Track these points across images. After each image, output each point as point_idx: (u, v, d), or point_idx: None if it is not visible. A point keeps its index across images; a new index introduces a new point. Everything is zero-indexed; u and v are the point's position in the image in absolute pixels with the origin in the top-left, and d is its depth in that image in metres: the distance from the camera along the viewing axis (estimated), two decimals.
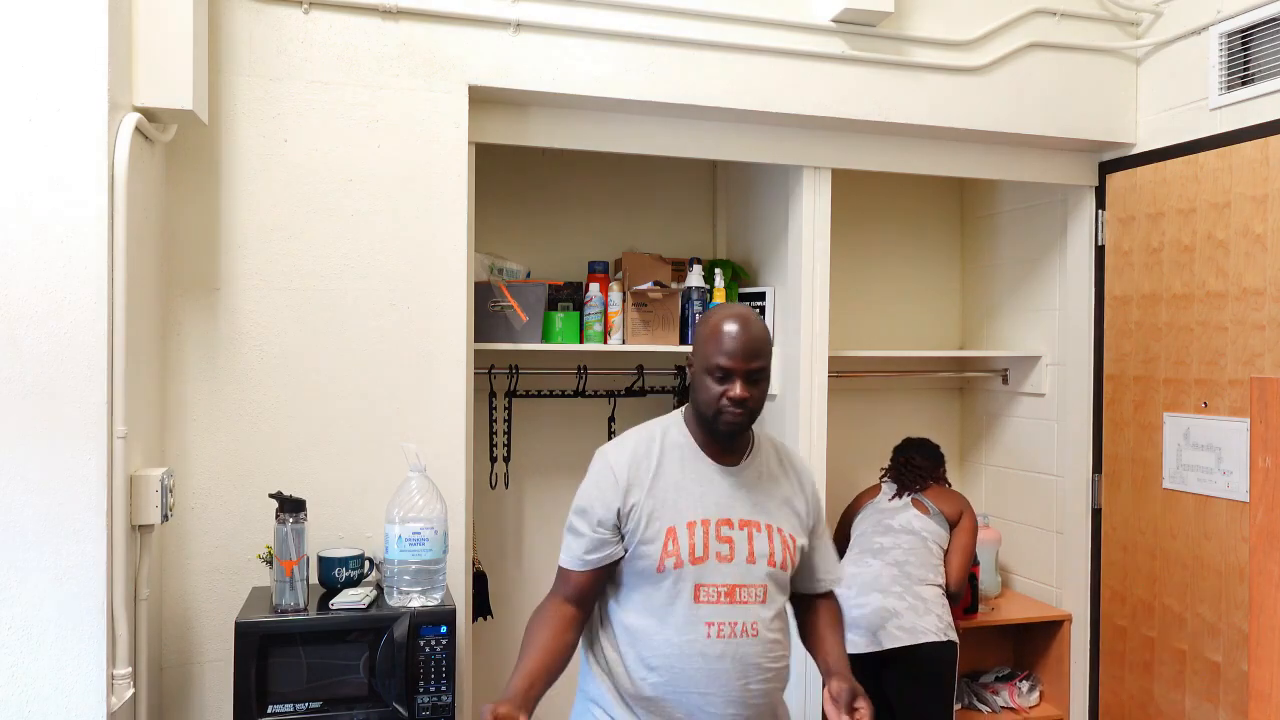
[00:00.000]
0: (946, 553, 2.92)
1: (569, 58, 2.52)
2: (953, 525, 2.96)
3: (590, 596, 1.79)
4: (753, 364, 1.71)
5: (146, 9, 2.02)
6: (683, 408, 1.86)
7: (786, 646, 1.84)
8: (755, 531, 1.78)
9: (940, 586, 2.83)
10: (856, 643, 2.68)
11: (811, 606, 1.95)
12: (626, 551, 1.75)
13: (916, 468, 3.08)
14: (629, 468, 1.76)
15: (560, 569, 1.79)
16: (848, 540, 3.04)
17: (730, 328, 1.71)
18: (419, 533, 2.11)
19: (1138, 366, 2.97)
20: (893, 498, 3.04)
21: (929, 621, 2.71)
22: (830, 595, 1.97)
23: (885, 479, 3.14)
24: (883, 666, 2.74)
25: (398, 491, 2.16)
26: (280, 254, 2.32)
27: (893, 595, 2.73)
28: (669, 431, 1.82)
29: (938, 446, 3.18)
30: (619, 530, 1.75)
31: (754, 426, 1.85)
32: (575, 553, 1.76)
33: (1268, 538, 1.53)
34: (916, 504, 2.98)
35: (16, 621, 1.83)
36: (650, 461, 1.77)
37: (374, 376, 2.38)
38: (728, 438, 1.77)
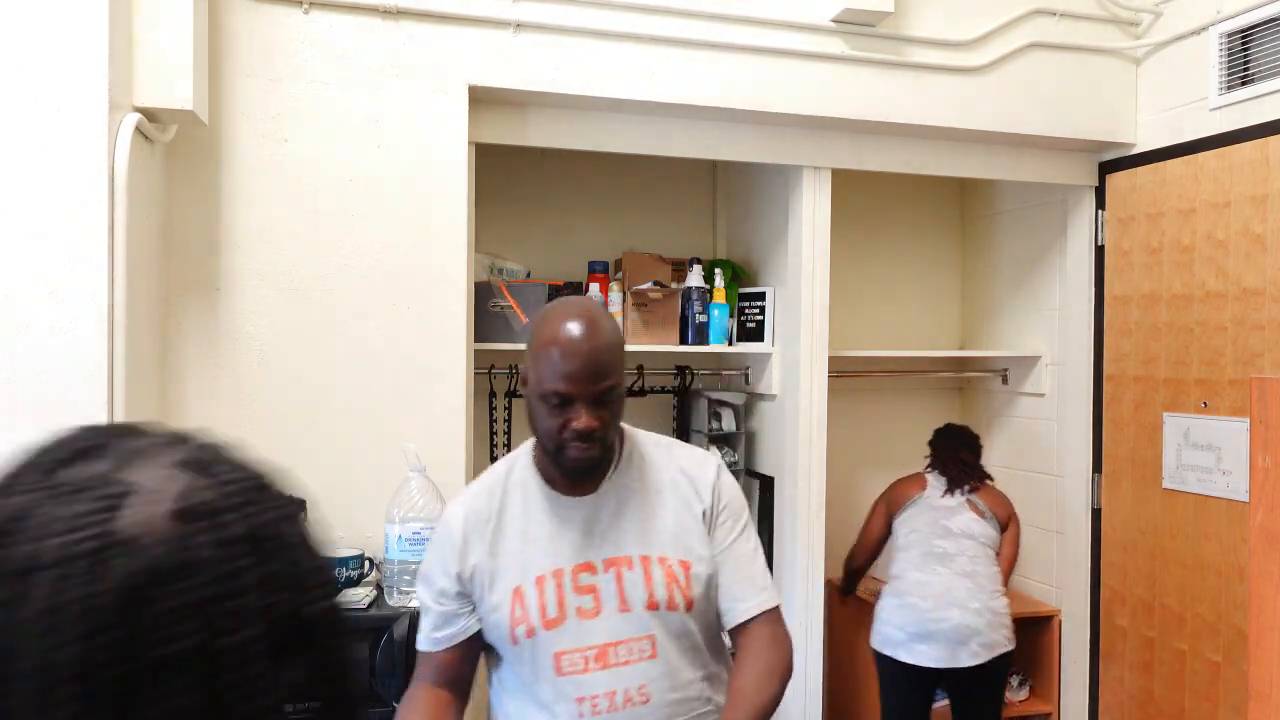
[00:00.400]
0: (997, 556, 2.89)
1: (569, 58, 2.52)
2: (1003, 529, 2.93)
3: (461, 676, 1.50)
4: (600, 385, 1.34)
5: (146, 9, 2.02)
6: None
7: (711, 700, 1.46)
8: (626, 570, 1.41)
9: (1005, 596, 2.83)
10: (930, 655, 2.70)
11: (736, 644, 1.50)
12: (481, 622, 1.44)
13: (966, 464, 3.00)
14: (464, 521, 1.43)
15: (418, 651, 1.51)
16: (887, 533, 3.02)
17: (567, 340, 1.32)
18: (419, 533, 2.12)
19: (1137, 366, 2.97)
20: (945, 494, 2.94)
21: (1002, 635, 2.74)
22: (759, 624, 1.47)
23: (931, 471, 3.03)
24: (952, 676, 2.75)
25: (398, 491, 2.16)
26: (280, 254, 2.32)
27: (971, 611, 2.71)
28: (514, 469, 1.47)
29: (977, 436, 3.11)
30: (467, 599, 1.44)
31: (631, 431, 1.53)
32: (424, 630, 1.46)
33: (1267, 538, 1.53)
34: (971, 506, 2.91)
35: None
36: (491, 510, 1.44)
37: (374, 376, 2.38)
38: (578, 474, 1.42)
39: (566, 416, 1.34)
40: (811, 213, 2.89)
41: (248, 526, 0.47)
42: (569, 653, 1.39)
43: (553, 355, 1.33)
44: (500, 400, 3.16)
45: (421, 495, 2.14)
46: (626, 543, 1.43)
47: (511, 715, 1.47)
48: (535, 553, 1.42)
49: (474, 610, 1.44)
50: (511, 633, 1.40)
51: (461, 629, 1.45)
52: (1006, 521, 2.94)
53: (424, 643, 1.47)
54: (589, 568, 1.42)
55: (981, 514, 2.90)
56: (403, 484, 2.17)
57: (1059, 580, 3.28)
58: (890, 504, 3.06)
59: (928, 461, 3.07)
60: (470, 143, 2.49)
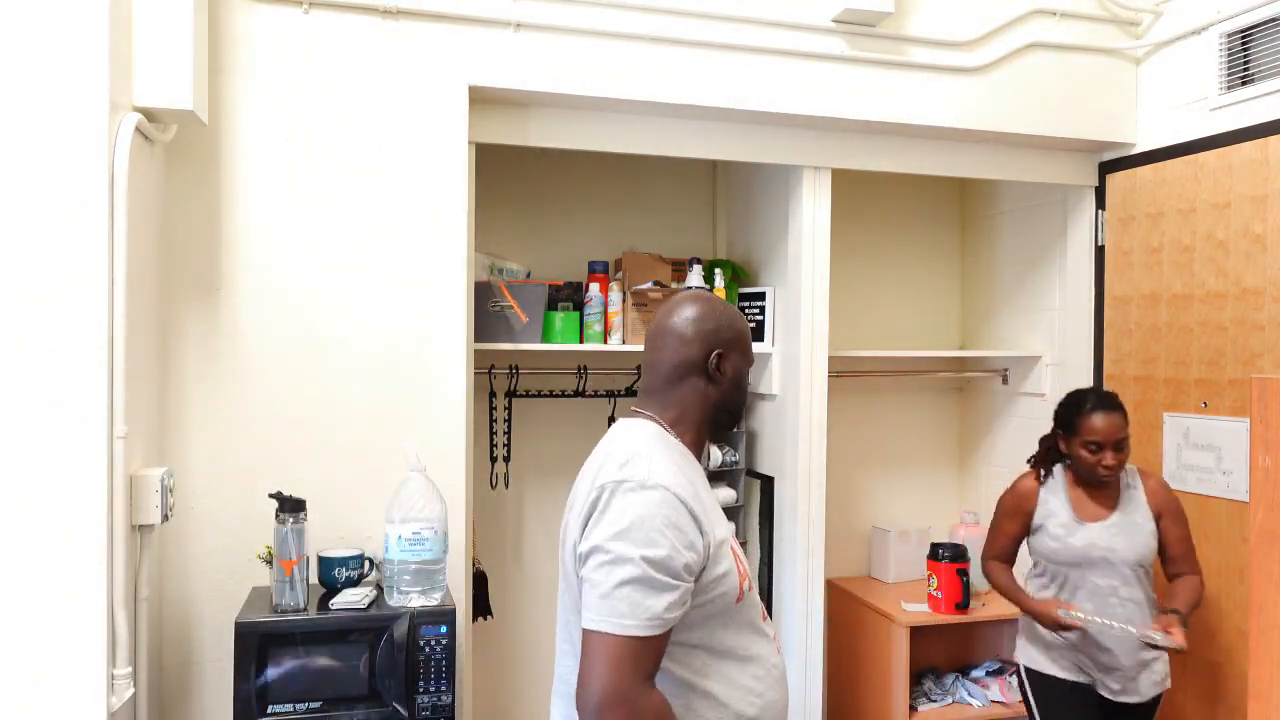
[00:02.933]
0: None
1: (569, 58, 2.52)
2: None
3: None
4: None
5: (146, 9, 2.03)
6: (641, 419, 1.58)
7: None
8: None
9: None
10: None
11: None
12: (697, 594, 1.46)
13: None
14: (688, 494, 1.46)
15: (637, 643, 1.35)
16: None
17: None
18: (419, 533, 2.11)
19: (1138, 366, 2.97)
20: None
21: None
22: None
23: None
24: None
25: (397, 491, 2.16)
26: (280, 253, 2.32)
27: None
28: (666, 445, 1.54)
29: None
30: (698, 572, 1.45)
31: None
32: (654, 611, 1.36)
33: (1268, 538, 1.53)
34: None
35: (16, 621, 1.83)
36: (690, 481, 1.49)
37: (374, 376, 2.38)
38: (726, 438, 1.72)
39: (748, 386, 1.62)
40: (811, 213, 2.89)
41: None
42: (759, 603, 1.58)
43: (751, 341, 1.65)
44: (500, 400, 3.16)
45: (421, 495, 2.14)
46: None
47: (730, 678, 1.49)
48: (717, 515, 1.53)
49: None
50: (740, 588, 1.50)
51: (687, 605, 1.43)
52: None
53: (650, 626, 1.36)
54: (735, 537, 1.59)
55: None
56: (403, 484, 2.17)
57: None
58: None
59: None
60: (470, 143, 2.49)
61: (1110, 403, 2.47)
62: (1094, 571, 2.45)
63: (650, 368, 1.60)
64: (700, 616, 1.46)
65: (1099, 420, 2.44)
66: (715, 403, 1.59)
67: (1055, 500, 2.54)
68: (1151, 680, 2.46)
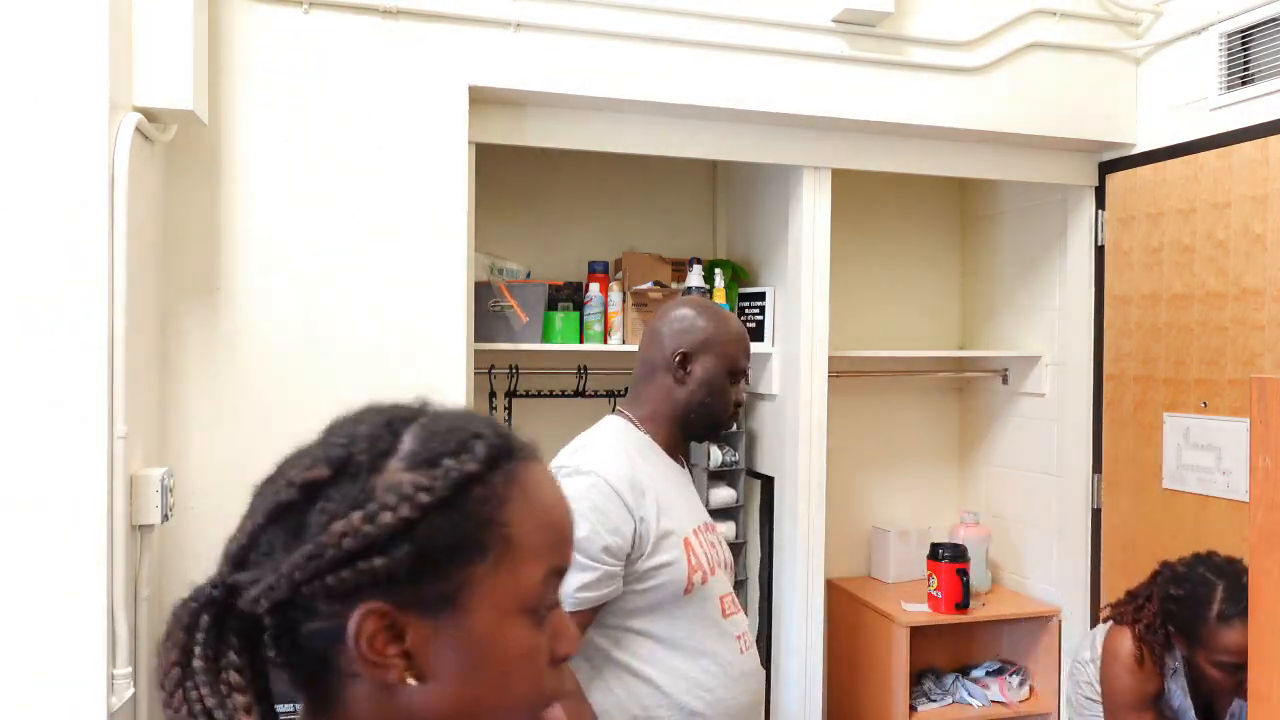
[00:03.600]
0: None
1: (569, 58, 2.52)
2: None
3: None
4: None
5: (146, 9, 2.02)
6: (614, 414, 1.67)
7: None
8: (714, 534, 1.69)
9: None
10: None
11: None
12: (628, 583, 1.52)
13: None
14: (624, 482, 1.51)
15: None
16: None
17: (743, 331, 1.70)
18: None
19: (1138, 366, 2.97)
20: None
21: None
22: None
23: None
24: None
25: None
26: (280, 254, 2.32)
27: None
28: (622, 439, 1.60)
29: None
30: (625, 559, 1.51)
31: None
32: (567, 589, 1.42)
33: (1268, 538, 1.53)
34: None
35: (16, 621, 1.83)
36: (635, 472, 1.54)
37: (374, 376, 2.38)
38: (718, 438, 1.75)
39: (737, 389, 1.65)
40: (811, 213, 2.89)
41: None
42: (725, 596, 1.60)
43: (744, 342, 1.66)
44: (500, 400, 3.16)
45: None
46: (704, 510, 1.69)
47: (674, 668, 1.52)
48: (682, 510, 1.58)
49: (623, 574, 1.50)
50: (689, 579, 1.53)
51: (612, 591, 1.49)
52: None
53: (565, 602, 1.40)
54: (709, 527, 1.65)
55: None
56: None
57: (1059, 580, 3.28)
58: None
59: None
60: (470, 143, 2.49)
61: (1245, 602, 1.66)
62: None
63: (636, 367, 1.69)
64: (643, 604, 1.51)
65: (1240, 636, 1.79)
66: (685, 403, 1.62)
67: (1179, 694, 2.06)
68: None
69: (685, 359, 1.61)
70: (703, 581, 1.56)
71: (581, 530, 1.43)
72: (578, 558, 1.40)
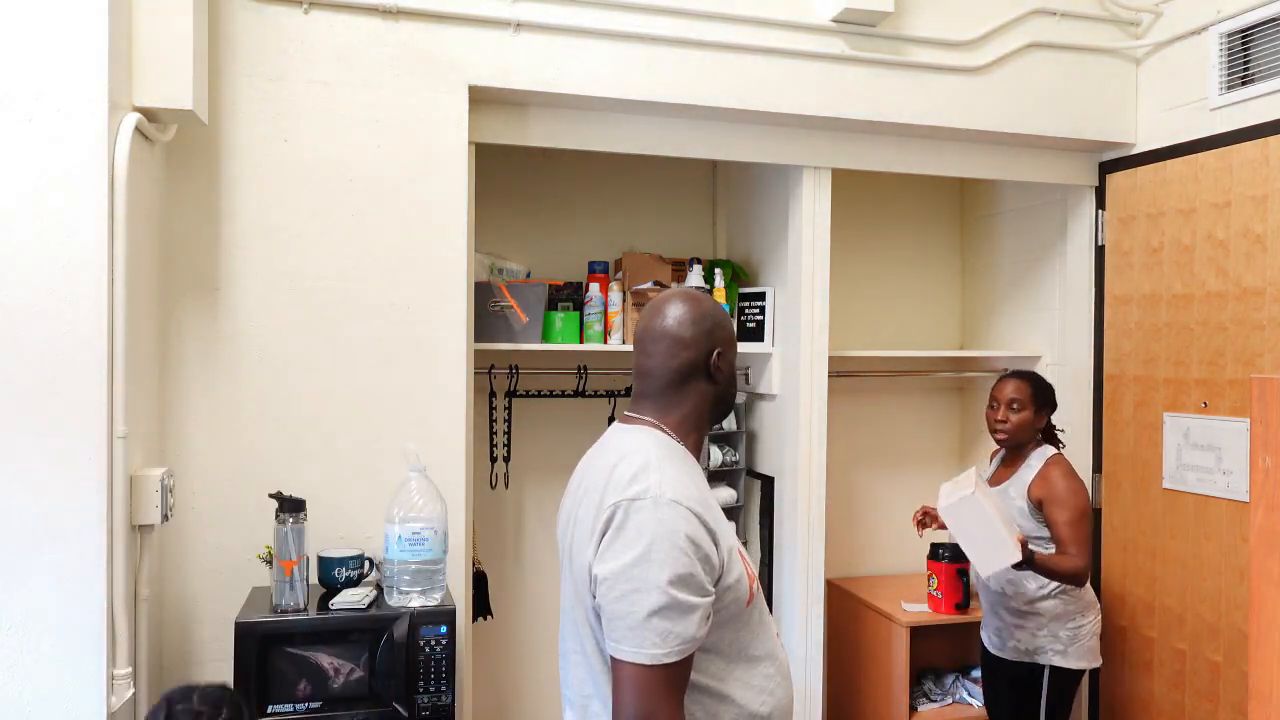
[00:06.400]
0: None
1: (569, 58, 2.52)
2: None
3: None
4: None
5: (146, 9, 2.03)
6: (647, 425, 1.55)
7: None
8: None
9: None
10: None
11: None
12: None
13: None
14: (701, 507, 1.42)
15: (669, 668, 1.34)
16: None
17: None
18: (419, 533, 2.11)
19: (1138, 366, 2.97)
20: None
21: None
22: None
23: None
24: None
25: (398, 491, 2.16)
26: (280, 254, 2.32)
27: None
28: (674, 450, 1.52)
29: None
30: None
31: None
32: (686, 633, 1.35)
33: (1268, 538, 1.53)
34: None
35: (16, 621, 1.83)
36: (699, 490, 1.47)
37: (374, 376, 2.38)
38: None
39: None
40: (811, 213, 2.89)
41: None
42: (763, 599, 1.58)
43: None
44: (500, 400, 3.16)
45: (421, 495, 2.14)
46: None
47: (744, 680, 1.48)
48: (727, 523, 1.51)
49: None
50: (750, 589, 1.50)
51: (710, 618, 1.41)
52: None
53: (681, 650, 1.35)
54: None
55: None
56: (403, 484, 2.17)
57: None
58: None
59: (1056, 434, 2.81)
60: (470, 143, 2.49)
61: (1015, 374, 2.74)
62: None
63: (646, 374, 1.56)
64: (715, 623, 1.44)
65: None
66: (715, 399, 1.58)
67: None
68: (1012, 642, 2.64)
69: (720, 357, 1.56)
70: (759, 588, 1.54)
71: (683, 567, 1.35)
72: (688, 598, 1.34)
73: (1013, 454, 2.76)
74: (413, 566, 2.12)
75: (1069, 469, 2.65)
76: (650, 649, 1.32)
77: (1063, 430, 2.88)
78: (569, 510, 1.55)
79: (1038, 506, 2.61)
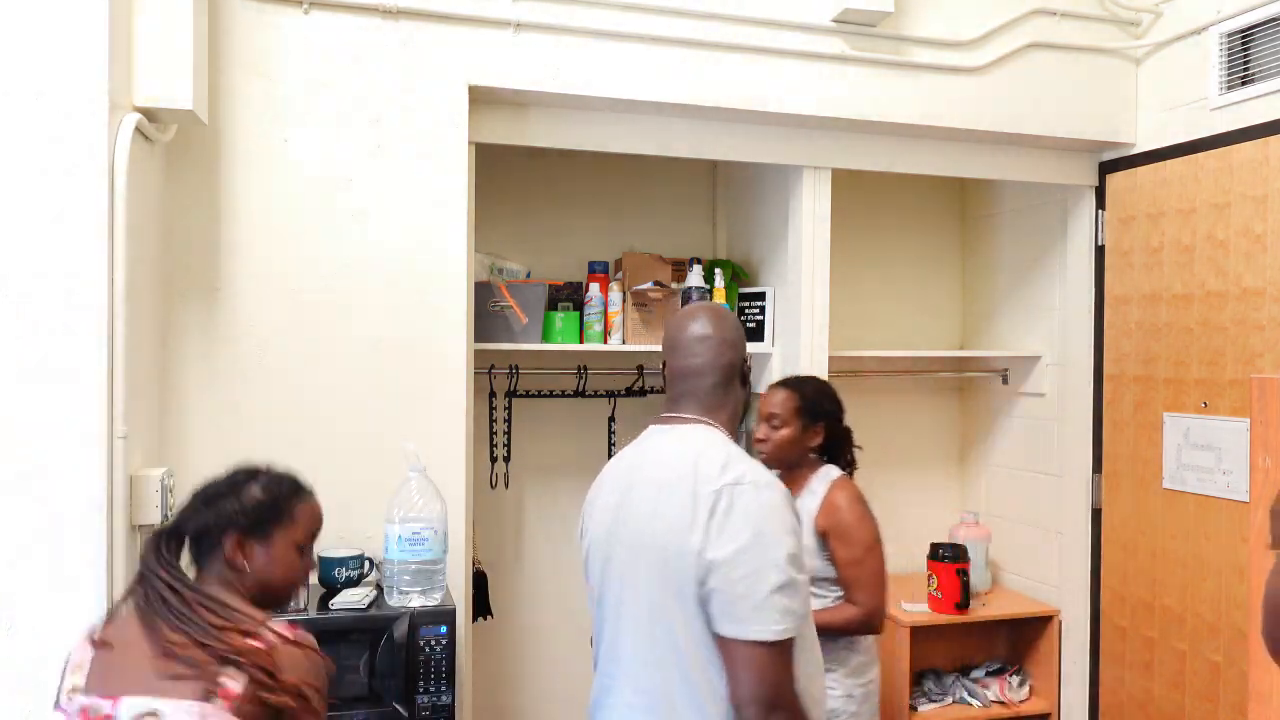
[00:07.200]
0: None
1: (569, 58, 2.52)
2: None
3: None
4: None
5: (146, 9, 2.03)
6: (702, 423, 1.59)
7: None
8: None
9: None
10: None
11: None
12: None
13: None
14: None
15: (786, 645, 1.42)
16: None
17: None
18: (419, 533, 2.11)
19: (1138, 366, 2.97)
20: None
21: None
22: None
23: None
24: None
25: (397, 491, 2.16)
26: (280, 254, 2.32)
27: None
28: (731, 442, 1.59)
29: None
30: None
31: None
32: (801, 611, 1.45)
33: (1267, 537, 1.53)
34: None
35: (17, 621, 1.83)
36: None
37: (374, 376, 2.38)
38: None
39: None
40: (811, 213, 2.89)
41: None
42: None
43: None
44: (500, 400, 3.16)
45: (421, 495, 2.14)
46: None
47: (802, 668, 1.52)
48: None
49: None
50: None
51: None
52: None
53: (796, 626, 1.43)
54: None
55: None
56: (403, 484, 2.17)
57: (1059, 580, 3.28)
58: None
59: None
60: (470, 143, 2.49)
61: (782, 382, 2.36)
62: None
63: (692, 373, 1.61)
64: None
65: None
66: (744, 405, 1.67)
67: None
68: None
69: (746, 363, 1.66)
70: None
71: (792, 545, 1.43)
72: (798, 575, 1.42)
73: (788, 477, 2.30)
74: (413, 566, 2.12)
75: (855, 494, 2.27)
76: (774, 625, 1.39)
77: (859, 447, 2.49)
78: (631, 508, 1.56)
79: (824, 540, 2.24)
